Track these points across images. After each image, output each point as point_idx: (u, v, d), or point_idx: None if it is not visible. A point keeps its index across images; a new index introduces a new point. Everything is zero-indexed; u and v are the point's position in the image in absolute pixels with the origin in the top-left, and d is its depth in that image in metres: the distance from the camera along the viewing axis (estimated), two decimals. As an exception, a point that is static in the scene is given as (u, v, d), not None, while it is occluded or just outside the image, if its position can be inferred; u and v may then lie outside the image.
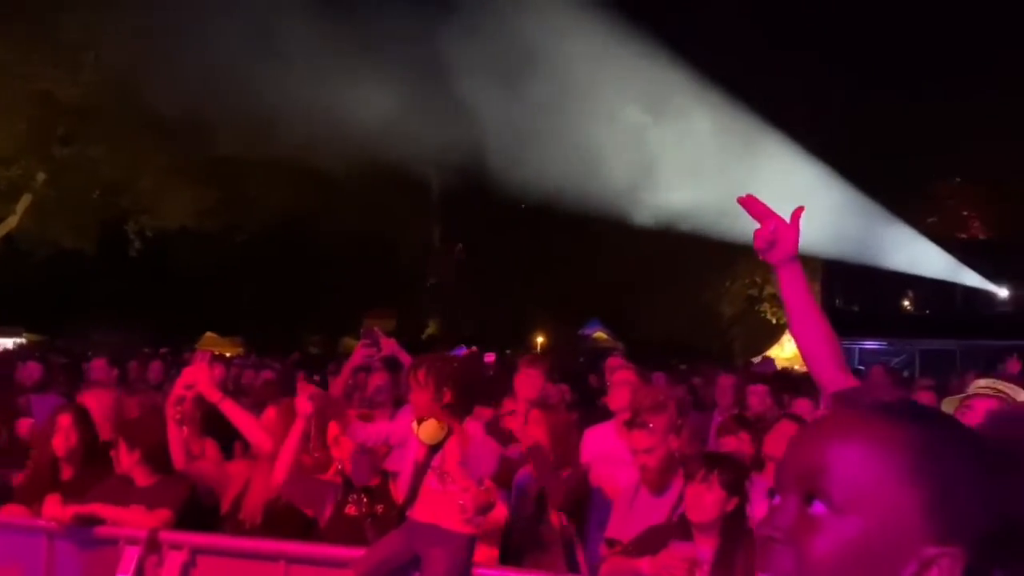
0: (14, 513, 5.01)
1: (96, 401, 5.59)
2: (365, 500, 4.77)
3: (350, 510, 4.77)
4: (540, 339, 32.43)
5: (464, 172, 21.61)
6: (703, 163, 20.78)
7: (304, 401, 4.42)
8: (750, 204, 2.30)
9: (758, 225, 2.27)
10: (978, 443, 1.09)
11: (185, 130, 20.66)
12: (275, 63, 18.44)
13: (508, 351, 22.17)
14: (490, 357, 6.87)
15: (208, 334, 27.62)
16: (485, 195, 22.92)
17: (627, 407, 5.23)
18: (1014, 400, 2.84)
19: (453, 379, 4.27)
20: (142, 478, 4.80)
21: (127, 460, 4.78)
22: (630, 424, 4.49)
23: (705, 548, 3.80)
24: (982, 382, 2.99)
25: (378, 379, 6.53)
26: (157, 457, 4.79)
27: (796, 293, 2.30)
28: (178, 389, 4.85)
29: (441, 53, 19.35)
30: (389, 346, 6.12)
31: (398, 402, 6.24)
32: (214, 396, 4.82)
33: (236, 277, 32.41)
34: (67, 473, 5.06)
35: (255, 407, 5.35)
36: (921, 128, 28.54)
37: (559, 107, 20.36)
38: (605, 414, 5.81)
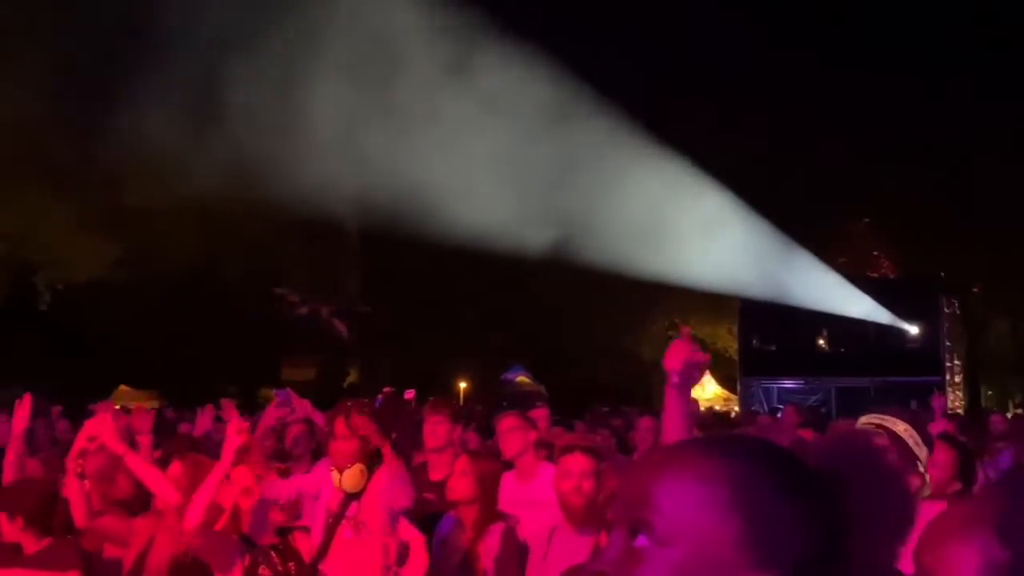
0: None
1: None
2: (276, 559, 4.59)
3: (264, 572, 4.59)
4: (463, 385, 32.24)
5: (381, 217, 21.50)
6: (622, 202, 20.97)
7: (234, 434, 4.26)
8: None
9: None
10: (799, 472, 1.14)
11: (89, 180, 20.29)
12: (180, 109, 18.20)
13: (431, 398, 21.96)
14: (410, 394, 6.69)
15: (122, 387, 26.80)
16: (403, 239, 22.82)
17: (519, 453, 5.24)
18: (894, 432, 2.92)
19: (379, 425, 4.19)
20: (31, 545, 4.55)
21: (9, 529, 4.50)
22: (566, 449, 4.32)
23: None
24: (865, 418, 3.08)
25: (295, 430, 6.37)
26: (43, 520, 4.53)
27: (680, 415, 2.72)
28: (80, 442, 4.66)
29: (348, 96, 19.33)
30: (303, 408, 5.99)
31: (316, 454, 6.09)
32: (118, 448, 4.63)
33: (149, 328, 31.64)
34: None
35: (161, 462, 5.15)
36: (832, 168, 29.35)
37: (473, 147, 20.40)
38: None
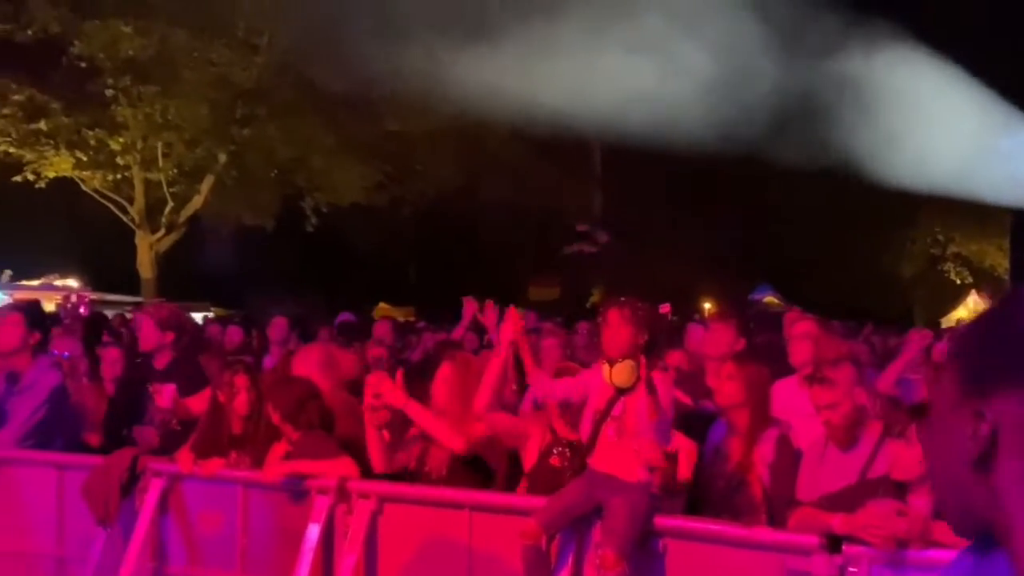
0: (212, 466, 5.28)
1: (306, 358, 5.83)
2: (568, 453, 4.76)
3: (554, 461, 4.78)
4: (707, 305, 31.85)
5: (625, 136, 21.32)
6: (880, 109, 19.61)
7: (509, 327, 4.50)
8: None
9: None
10: None
11: (352, 108, 21.37)
12: (433, 35, 18.68)
13: (676, 317, 21.86)
14: (665, 308, 6.73)
15: (381, 304, 28.40)
16: (646, 158, 22.59)
17: (809, 361, 5.05)
18: None
19: (650, 322, 4.23)
20: (290, 434, 5.11)
21: (274, 418, 5.11)
22: (811, 379, 4.29)
23: (921, 503, 3.61)
24: None
25: (549, 342, 6.43)
26: (295, 416, 5.03)
27: None
28: (367, 399, 4.96)
29: (594, 15, 19.13)
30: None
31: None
32: (399, 402, 4.90)
33: (405, 249, 33.30)
34: (236, 428, 5.34)
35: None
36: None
37: (720, 60, 19.69)
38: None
